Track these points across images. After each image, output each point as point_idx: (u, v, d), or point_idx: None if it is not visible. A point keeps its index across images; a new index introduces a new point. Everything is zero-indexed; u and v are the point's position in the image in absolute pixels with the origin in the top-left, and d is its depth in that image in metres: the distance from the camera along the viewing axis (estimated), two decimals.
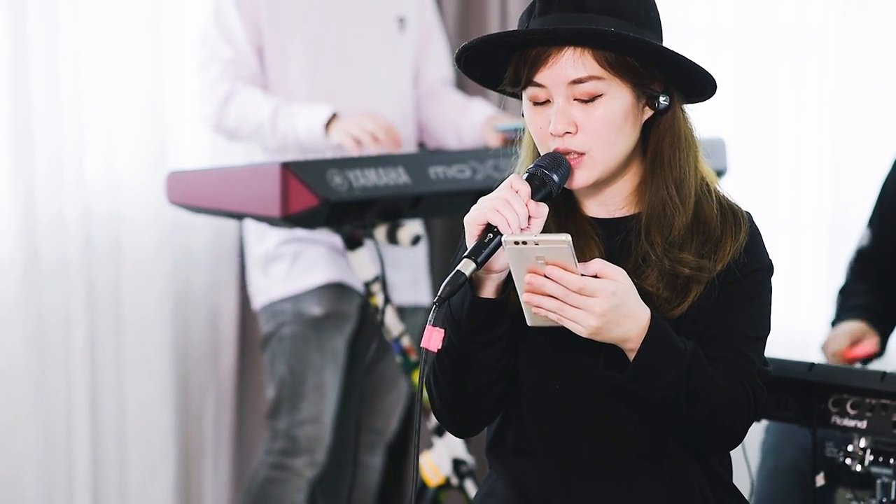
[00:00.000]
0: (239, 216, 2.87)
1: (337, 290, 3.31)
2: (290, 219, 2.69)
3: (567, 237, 1.77)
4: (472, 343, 1.91)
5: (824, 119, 3.69)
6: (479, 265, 1.82)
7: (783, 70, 3.70)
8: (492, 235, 1.83)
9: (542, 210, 1.87)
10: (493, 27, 3.68)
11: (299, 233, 3.23)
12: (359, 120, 3.02)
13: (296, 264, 3.30)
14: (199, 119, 3.30)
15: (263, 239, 3.32)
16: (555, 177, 1.88)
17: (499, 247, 1.83)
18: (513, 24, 3.64)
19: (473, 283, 1.89)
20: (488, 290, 1.90)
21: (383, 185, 2.76)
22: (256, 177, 2.74)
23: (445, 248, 3.68)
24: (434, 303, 1.81)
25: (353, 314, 3.38)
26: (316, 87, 3.25)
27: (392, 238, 2.89)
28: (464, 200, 2.88)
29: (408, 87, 3.40)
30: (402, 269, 3.37)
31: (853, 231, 3.23)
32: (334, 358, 3.35)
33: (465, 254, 1.83)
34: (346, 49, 3.29)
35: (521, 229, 1.84)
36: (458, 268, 1.81)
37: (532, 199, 1.86)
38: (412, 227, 2.89)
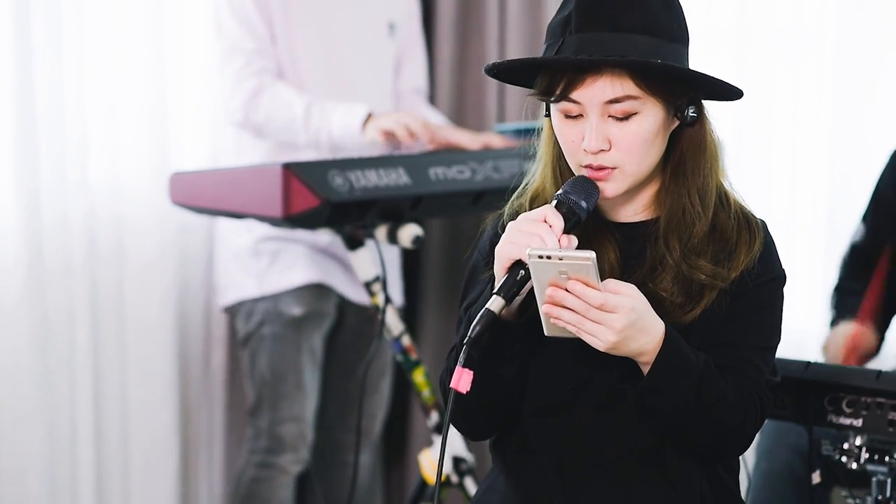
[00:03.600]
0: (241, 217, 2.88)
1: (316, 291, 3.34)
2: (292, 219, 2.71)
3: (592, 255, 1.78)
4: (490, 361, 1.93)
5: (821, 120, 3.70)
6: (508, 302, 1.83)
7: (780, 71, 3.71)
8: (523, 272, 1.83)
9: (573, 243, 1.87)
10: (492, 27, 3.68)
11: (279, 231, 3.25)
12: (395, 116, 3.05)
13: (275, 263, 3.32)
14: (223, 113, 3.30)
15: (242, 234, 3.33)
16: (584, 204, 1.89)
17: (528, 281, 1.84)
18: (512, 25, 3.65)
19: None
20: (510, 314, 1.91)
21: (384, 185, 2.78)
22: (258, 177, 2.76)
23: (444, 248, 3.70)
24: (465, 343, 1.81)
25: (331, 313, 3.41)
26: (315, 82, 3.28)
27: (392, 238, 2.90)
28: (464, 201, 2.92)
29: (390, 91, 3.43)
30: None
31: (850, 231, 3.25)
32: (313, 357, 3.38)
33: (495, 290, 1.83)
34: (338, 51, 3.31)
35: None
36: (487, 306, 1.82)
37: (563, 230, 1.86)
38: (412, 228, 2.91)
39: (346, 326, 3.47)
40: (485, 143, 3.17)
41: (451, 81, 3.68)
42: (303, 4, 3.28)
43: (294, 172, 2.67)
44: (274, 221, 2.79)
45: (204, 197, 2.92)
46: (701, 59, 3.66)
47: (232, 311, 3.43)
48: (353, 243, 2.94)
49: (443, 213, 3.36)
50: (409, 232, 2.88)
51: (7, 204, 3.18)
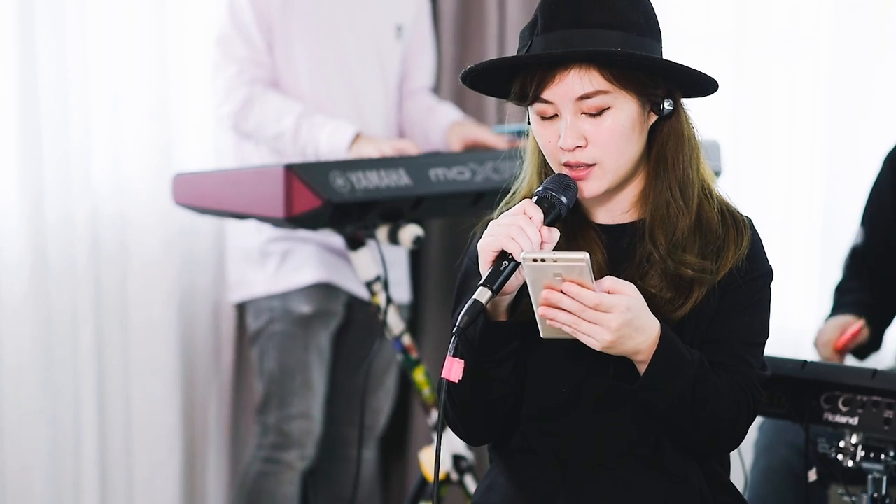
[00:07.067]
0: (243, 217, 2.89)
1: (325, 290, 3.37)
2: (294, 220, 2.72)
3: (585, 255, 1.80)
4: (484, 362, 1.94)
5: (817, 121, 3.72)
6: (496, 293, 1.84)
7: (776, 73, 3.73)
8: (507, 263, 1.84)
9: (554, 235, 1.89)
10: (492, 28, 3.70)
11: (289, 231, 3.27)
12: (378, 144, 3.07)
13: (286, 262, 3.35)
14: (214, 118, 3.33)
15: (253, 234, 3.35)
16: (563, 199, 1.91)
17: (513, 273, 1.85)
18: (511, 26, 3.67)
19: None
20: (499, 313, 1.93)
21: (385, 186, 2.80)
22: (261, 178, 2.78)
23: (445, 248, 3.72)
24: (453, 333, 1.83)
25: (339, 312, 3.43)
26: (314, 89, 3.30)
27: (393, 239, 2.92)
28: (464, 201, 2.94)
29: (396, 93, 3.46)
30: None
31: (845, 231, 3.27)
32: (320, 355, 3.41)
33: (481, 282, 1.84)
34: (344, 54, 3.33)
35: None
36: (475, 297, 1.83)
37: (543, 223, 1.88)
38: (413, 228, 2.93)
39: (354, 323, 3.50)
40: (513, 144, 3.18)
41: (452, 83, 3.70)
42: (308, 8, 3.30)
43: (296, 173, 2.69)
44: (276, 222, 2.81)
45: (206, 197, 2.94)
46: (699, 61, 3.71)
47: (242, 308, 3.46)
48: (355, 244, 2.96)
49: (443, 213, 3.38)
50: (410, 232, 2.90)
51: (11, 204, 3.20)
